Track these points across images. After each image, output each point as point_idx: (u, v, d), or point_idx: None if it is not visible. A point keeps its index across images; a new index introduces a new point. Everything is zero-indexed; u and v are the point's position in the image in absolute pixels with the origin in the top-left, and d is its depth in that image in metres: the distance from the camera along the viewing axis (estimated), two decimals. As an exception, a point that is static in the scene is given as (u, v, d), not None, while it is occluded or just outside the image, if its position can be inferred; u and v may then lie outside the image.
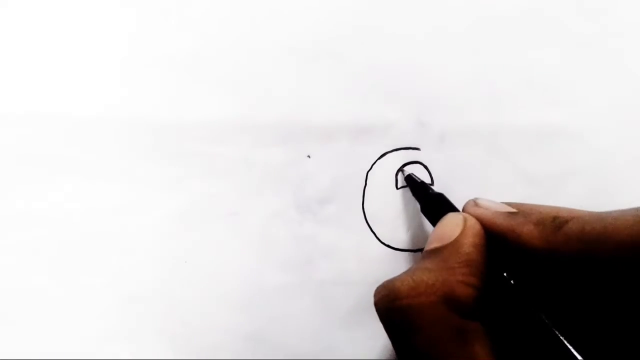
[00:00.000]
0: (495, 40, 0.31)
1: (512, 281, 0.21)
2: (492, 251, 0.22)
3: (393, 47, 0.30)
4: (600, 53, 0.31)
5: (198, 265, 0.29)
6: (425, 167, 0.30)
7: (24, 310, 0.28)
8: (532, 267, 0.21)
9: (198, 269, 0.29)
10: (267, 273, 0.29)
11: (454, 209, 0.26)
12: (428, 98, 0.30)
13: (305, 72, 0.30)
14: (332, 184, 0.30)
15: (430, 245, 0.22)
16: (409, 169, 0.30)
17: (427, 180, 0.30)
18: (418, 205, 0.29)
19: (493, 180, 0.30)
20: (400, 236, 0.30)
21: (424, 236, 0.30)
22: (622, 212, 0.19)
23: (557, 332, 0.19)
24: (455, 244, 0.22)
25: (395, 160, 0.30)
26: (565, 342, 0.19)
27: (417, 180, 0.29)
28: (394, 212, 0.30)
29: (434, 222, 0.26)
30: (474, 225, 0.22)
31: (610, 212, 0.19)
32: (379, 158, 0.30)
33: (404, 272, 0.21)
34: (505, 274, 0.21)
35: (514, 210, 0.23)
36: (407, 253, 0.30)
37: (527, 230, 0.21)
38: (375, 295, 0.21)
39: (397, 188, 0.30)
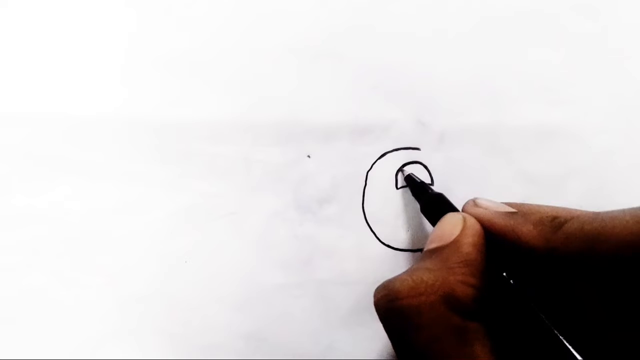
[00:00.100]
0: (495, 40, 0.31)
1: (511, 281, 0.21)
2: (492, 251, 0.22)
3: (393, 47, 0.30)
4: (600, 53, 0.31)
5: (198, 265, 0.29)
6: (425, 167, 0.30)
7: (24, 310, 0.28)
8: (531, 266, 0.21)
9: (198, 269, 0.29)
10: (267, 273, 0.29)
11: (453, 208, 0.26)
12: (428, 98, 0.30)
13: (305, 72, 0.30)
14: (332, 184, 0.30)
15: (430, 245, 0.22)
16: (408, 169, 0.30)
17: (427, 180, 0.30)
18: (418, 205, 0.29)
19: (493, 180, 0.30)
20: (400, 236, 0.30)
21: (424, 236, 0.30)
22: (621, 212, 0.19)
23: (556, 332, 0.19)
24: (454, 243, 0.22)
25: (395, 160, 0.30)
26: (565, 342, 0.19)
27: (416, 180, 0.29)
28: (394, 212, 0.30)
29: (433, 222, 0.26)
30: (474, 225, 0.22)
31: (608, 212, 0.19)
32: (379, 158, 0.30)
33: (403, 272, 0.21)
34: (504, 274, 0.21)
35: (514, 210, 0.23)
36: (407, 253, 0.30)
37: (527, 230, 0.21)
38: (375, 295, 0.21)
39: (397, 188, 0.30)
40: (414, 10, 0.30)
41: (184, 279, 0.29)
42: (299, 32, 0.30)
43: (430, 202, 0.27)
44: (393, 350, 0.28)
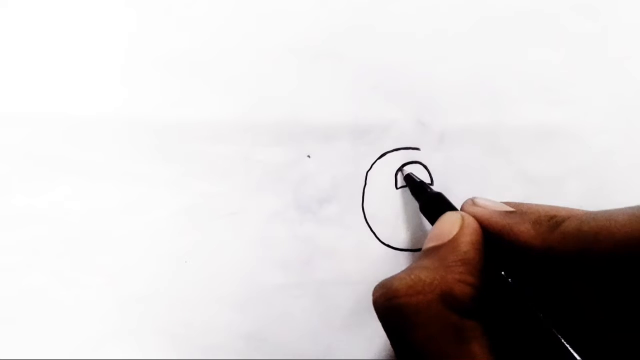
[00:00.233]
0: (495, 40, 0.31)
1: (509, 280, 0.21)
2: (490, 250, 0.22)
3: (393, 47, 0.30)
4: (600, 53, 0.31)
5: (198, 265, 0.29)
6: (425, 167, 0.30)
7: (24, 310, 0.28)
8: (529, 265, 0.21)
9: (198, 269, 0.29)
10: (267, 273, 0.29)
11: (452, 208, 0.26)
12: (428, 98, 0.30)
13: (305, 72, 0.30)
14: (332, 184, 0.30)
15: (429, 243, 0.22)
16: (408, 169, 0.30)
17: (427, 180, 0.30)
18: (418, 205, 0.29)
19: (492, 180, 0.30)
20: (400, 236, 0.30)
21: (424, 236, 0.30)
22: (618, 211, 0.19)
23: (554, 331, 0.19)
24: (453, 242, 0.22)
25: (395, 160, 0.30)
26: (563, 341, 0.19)
27: (416, 180, 0.29)
28: (393, 212, 0.30)
29: (432, 221, 0.26)
30: (472, 224, 0.22)
31: (606, 211, 0.19)
32: (379, 158, 0.30)
33: (402, 271, 0.21)
34: (502, 273, 0.21)
35: (512, 209, 0.23)
36: (407, 253, 0.30)
37: (525, 229, 0.21)
38: (373, 294, 0.21)
39: (397, 188, 0.30)
40: (413, 10, 0.30)
41: (184, 279, 0.29)
42: (299, 32, 0.30)
43: (429, 202, 0.27)
44: (392, 349, 0.28)
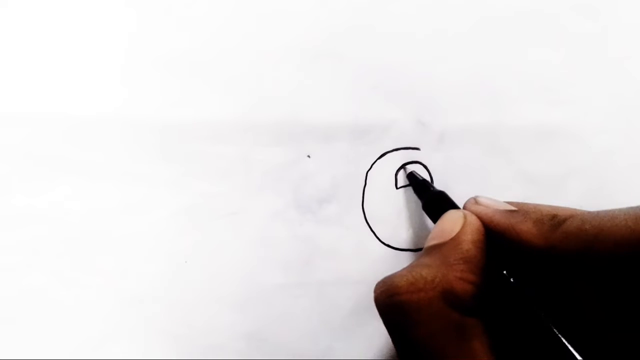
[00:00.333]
0: (496, 40, 0.31)
1: (511, 279, 0.21)
2: (492, 248, 0.22)
3: (393, 47, 0.30)
4: (600, 53, 0.31)
5: (198, 265, 0.29)
6: (425, 166, 0.30)
7: (24, 310, 0.28)
8: (530, 264, 0.21)
9: (198, 269, 0.29)
10: (267, 273, 0.29)
11: (455, 206, 0.26)
12: (428, 98, 0.30)
13: (305, 72, 0.30)
14: (332, 184, 0.30)
15: (431, 241, 0.22)
16: (410, 167, 0.30)
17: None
18: (418, 205, 0.29)
19: (493, 180, 0.30)
20: (400, 236, 0.30)
21: (424, 235, 0.30)
22: (620, 211, 0.19)
23: (555, 330, 0.19)
24: (454, 240, 0.22)
25: (395, 160, 0.30)
26: (563, 340, 0.19)
27: (418, 178, 0.29)
28: (394, 212, 0.30)
29: (434, 220, 0.26)
30: (474, 223, 0.22)
31: (607, 211, 0.19)
32: (379, 158, 0.30)
33: (403, 268, 0.21)
34: (504, 272, 0.21)
35: (514, 208, 0.23)
36: (407, 253, 0.30)
37: (526, 228, 0.21)
38: (374, 291, 0.21)
39: (397, 188, 0.30)
40: (413, 10, 0.30)
41: (184, 279, 0.29)
42: (299, 32, 0.30)
43: (432, 200, 0.27)
44: (393, 349, 0.28)
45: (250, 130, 0.29)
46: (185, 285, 0.29)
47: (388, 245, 0.29)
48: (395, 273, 0.21)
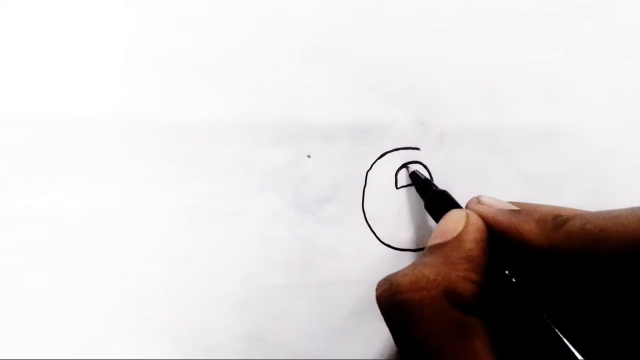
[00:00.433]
0: (495, 40, 0.31)
1: (513, 279, 0.21)
2: (494, 248, 0.22)
3: (393, 47, 0.30)
4: (600, 53, 0.31)
5: (198, 265, 0.29)
6: (425, 166, 0.30)
7: (24, 310, 0.28)
8: (533, 264, 0.21)
9: (198, 269, 0.29)
10: (267, 273, 0.29)
11: (457, 205, 0.26)
12: (428, 98, 0.30)
13: (305, 72, 0.30)
14: (332, 184, 0.30)
15: (433, 240, 0.22)
16: (412, 167, 0.30)
17: (427, 180, 0.30)
18: (418, 205, 0.29)
19: (493, 180, 0.30)
20: (400, 236, 0.30)
21: (424, 235, 0.30)
22: (622, 211, 0.19)
23: (556, 330, 0.19)
24: (457, 239, 0.22)
25: (395, 160, 0.30)
26: (565, 340, 0.19)
27: (421, 177, 0.29)
28: (394, 212, 0.30)
29: (437, 219, 0.26)
30: (477, 222, 0.22)
31: (610, 211, 0.19)
32: (379, 158, 0.30)
33: (406, 267, 0.21)
34: (506, 272, 0.21)
35: (517, 208, 0.23)
36: (407, 253, 0.30)
37: (529, 227, 0.21)
38: (377, 289, 0.21)
39: (397, 188, 0.30)
40: (414, 10, 0.30)
41: (184, 279, 0.29)
42: (299, 32, 0.30)
43: (435, 199, 0.27)
44: (393, 349, 0.28)
45: (250, 130, 0.29)
46: (185, 285, 0.29)
47: (388, 245, 0.29)
48: (398, 272, 0.21)
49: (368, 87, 0.30)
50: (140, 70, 0.29)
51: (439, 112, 0.30)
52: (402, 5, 0.30)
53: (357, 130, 0.30)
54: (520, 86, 0.31)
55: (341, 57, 0.30)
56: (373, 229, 0.30)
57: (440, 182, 0.30)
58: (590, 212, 0.20)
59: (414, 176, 0.29)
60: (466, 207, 0.25)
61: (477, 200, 0.24)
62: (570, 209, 0.21)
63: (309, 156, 0.30)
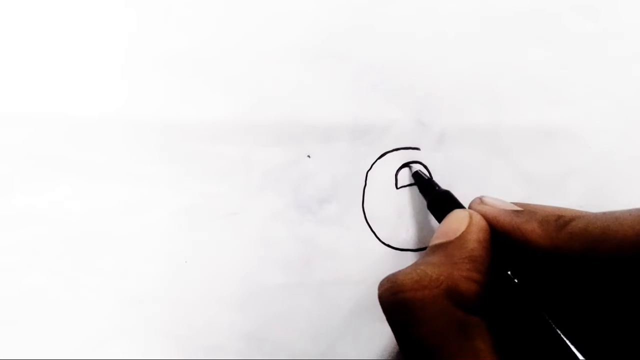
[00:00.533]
0: (495, 40, 0.31)
1: (515, 279, 0.21)
2: (497, 248, 0.22)
3: (393, 47, 0.30)
4: (601, 53, 0.31)
5: (198, 265, 0.29)
6: (425, 167, 0.30)
7: (24, 310, 0.28)
8: (535, 264, 0.21)
9: (198, 269, 0.29)
10: (267, 273, 0.29)
11: (460, 206, 0.26)
12: (428, 98, 0.30)
13: (305, 72, 0.30)
14: (332, 184, 0.30)
15: (436, 240, 0.23)
16: (415, 167, 0.30)
17: (427, 180, 0.30)
18: (418, 205, 0.29)
19: (493, 180, 0.30)
20: (401, 236, 0.30)
21: (424, 236, 0.30)
22: (625, 212, 0.19)
23: (558, 331, 0.19)
24: (460, 239, 0.22)
25: (395, 160, 0.30)
26: (567, 341, 0.19)
27: (424, 177, 0.29)
28: (394, 212, 0.30)
29: (440, 219, 0.26)
30: (480, 222, 0.22)
31: (613, 212, 0.19)
32: (379, 158, 0.30)
33: (408, 266, 0.21)
34: (509, 272, 0.21)
35: (520, 208, 0.23)
36: (407, 253, 0.30)
37: (532, 228, 0.21)
38: (379, 288, 0.21)
39: (397, 188, 0.30)
40: (414, 10, 0.30)
41: (184, 279, 0.29)
42: (299, 32, 0.30)
43: (437, 199, 0.27)
44: (393, 349, 0.28)
45: (250, 130, 0.29)
46: (185, 285, 0.29)
47: (388, 245, 0.29)
48: (400, 271, 0.21)
49: (368, 87, 0.30)
50: (140, 71, 0.29)
51: (439, 112, 0.30)
52: (402, 5, 0.30)
53: (357, 130, 0.30)
54: (520, 86, 0.31)
55: (341, 57, 0.30)
56: (373, 229, 0.30)
57: (440, 182, 0.30)
58: (593, 213, 0.20)
59: (416, 176, 0.29)
60: (469, 207, 0.25)
61: (480, 200, 0.24)
62: (573, 210, 0.22)
63: (309, 156, 0.30)
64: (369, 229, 0.29)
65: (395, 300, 0.20)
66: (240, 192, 0.29)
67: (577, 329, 0.20)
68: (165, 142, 0.29)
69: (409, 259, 0.29)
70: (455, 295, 0.20)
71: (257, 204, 0.29)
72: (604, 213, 0.20)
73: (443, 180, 0.30)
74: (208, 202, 0.29)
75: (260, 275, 0.29)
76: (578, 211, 0.21)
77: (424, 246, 0.29)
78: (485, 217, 0.23)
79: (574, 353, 0.19)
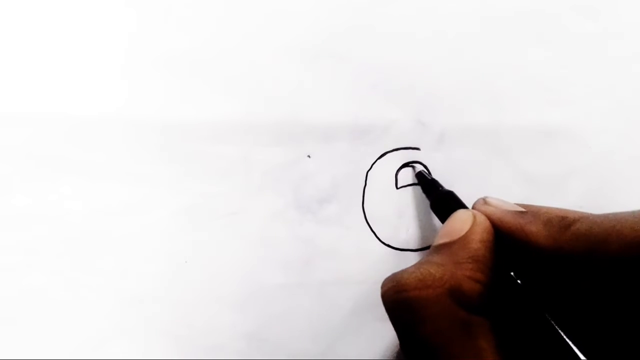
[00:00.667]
0: (496, 40, 0.31)
1: (518, 281, 0.21)
2: (500, 249, 0.22)
3: (393, 47, 0.30)
4: (601, 53, 0.31)
5: (198, 265, 0.29)
6: (425, 167, 0.30)
7: (24, 310, 0.28)
8: (539, 265, 0.21)
9: (198, 269, 0.29)
10: (267, 273, 0.29)
11: (463, 206, 0.26)
12: (428, 98, 0.30)
13: (305, 72, 0.30)
14: (332, 184, 0.30)
15: (439, 240, 0.23)
16: (418, 167, 0.30)
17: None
18: (418, 205, 0.29)
19: (493, 180, 0.30)
20: (401, 236, 0.30)
21: (424, 236, 0.30)
22: (629, 214, 0.19)
23: (560, 332, 0.20)
24: (463, 239, 0.22)
25: (395, 160, 0.30)
26: (569, 342, 0.19)
27: (427, 177, 0.29)
28: (394, 212, 0.30)
29: (443, 219, 0.26)
30: (483, 222, 0.22)
31: (617, 213, 0.19)
32: (379, 158, 0.30)
33: (412, 265, 0.21)
34: (512, 273, 0.21)
35: (523, 209, 0.23)
36: (407, 252, 0.30)
37: (535, 229, 0.21)
38: (382, 287, 0.21)
39: (397, 188, 0.30)
40: (414, 10, 0.30)
41: (184, 279, 0.29)
42: (299, 32, 0.30)
43: (441, 199, 0.27)
44: (393, 349, 0.28)
45: (250, 130, 0.29)
46: (185, 285, 0.29)
47: (388, 245, 0.29)
48: (403, 270, 0.21)
49: (368, 87, 0.30)
50: (140, 71, 0.29)
51: (439, 112, 0.30)
52: (402, 5, 0.30)
53: (357, 130, 0.30)
54: (520, 86, 0.31)
55: (341, 57, 0.30)
56: (373, 229, 0.30)
57: (440, 182, 0.30)
58: (597, 215, 0.20)
59: (420, 176, 0.29)
60: (472, 208, 0.25)
61: (484, 201, 0.24)
62: (577, 211, 0.21)
63: (309, 156, 0.30)
64: (369, 229, 0.29)
65: (399, 299, 0.20)
66: (240, 192, 0.29)
67: (579, 329, 0.20)
68: (165, 142, 0.29)
69: (409, 259, 0.29)
70: (459, 294, 0.20)
71: (257, 204, 0.29)
72: (608, 214, 0.20)
73: (443, 180, 0.30)
74: (208, 202, 0.29)
75: (260, 275, 0.29)
76: (582, 212, 0.21)
77: (424, 246, 0.30)
78: (488, 217, 0.23)
79: (575, 354, 0.19)
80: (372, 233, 0.29)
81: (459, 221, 0.23)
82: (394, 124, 0.30)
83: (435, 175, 0.30)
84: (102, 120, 0.29)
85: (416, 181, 0.30)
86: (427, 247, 0.30)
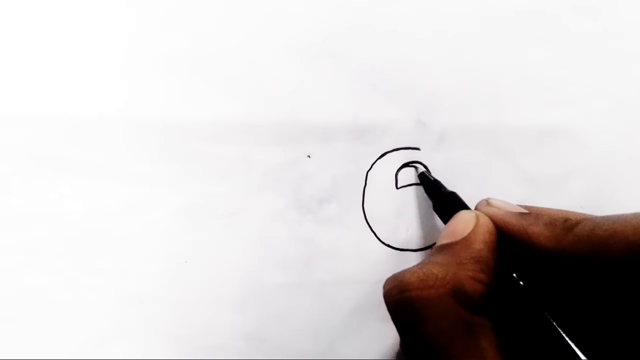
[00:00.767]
0: (496, 40, 0.31)
1: (521, 282, 0.21)
2: (503, 250, 0.22)
3: (393, 47, 0.30)
4: (601, 53, 0.31)
5: (198, 265, 0.29)
6: (425, 167, 0.30)
7: (24, 310, 0.28)
8: (541, 267, 0.21)
9: (198, 269, 0.29)
10: (267, 273, 0.29)
11: (466, 207, 0.26)
12: (428, 98, 0.30)
13: (305, 72, 0.30)
14: (332, 184, 0.30)
15: (442, 240, 0.23)
16: (420, 168, 0.30)
17: (427, 181, 0.30)
18: (418, 205, 0.29)
19: (493, 180, 0.30)
20: (401, 236, 0.30)
21: (424, 236, 0.30)
22: (632, 215, 0.19)
23: (562, 333, 0.20)
24: (466, 240, 0.22)
25: (395, 160, 0.30)
26: (571, 343, 0.19)
27: (430, 178, 0.29)
28: (394, 212, 0.30)
29: (445, 220, 0.26)
30: (486, 223, 0.22)
31: (620, 215, 0.19)
32: (379, 158, 0.30)
33: (414, 265, 0.21)
34: (514, 275, 0.22)
35: (526, 211, 0.23)
36: (407, 252, 0.30)
37: (538, 230, 0.21)
38: (384, 287, 0.21)
39: (397, 188, 0.30)
40: (414, 10, 0.30)
41: (184, 279, 0.29)
42: (299, 32, 0.30)
43: (443, 200, 0.27)
44: (394, 349, 0.28)
45: (250, 130, 0.29)
46: (185, 285, 0.29)
47: (388, 245, 0.29)
48: (406, 269, 0.21)
49: (368, 87, 0.30)
50: (140, 71, 0.29)
51: (439, 112, 0.30)
52: (402, 5, 0.30)
53: (357, 130, 0.30)
54: (520, 86, 0.31)
55: (341, 57, 0.30)
56: (373, 229, 0.30)
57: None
58: (599, 217, 0.20)
59: (422, 177, 0.29)
60: (475, 209, 0.25)
61: (487, 202, 0.24)
62: (579, 213, 0.22)
63: (309, 156, 0.30)
64: (369, 229, 0.30)
65: (401, 298, 0.20)
66: (240, 192, 0.29)
67: (581, 331, 0.20)
68: (165, 142, 0.29)
69: (409, 259, 0.30)
70: (461, 295, 0.20)
71: (257, 204, 0.29)
72: (611, 216, 0.20)
73: (443, 180, 0.30)
74: (208, 202, 0.29)
75: (260, 275, 0.29)
76: (585, 214, 0.21)
77: (424, 246, 0.30)
78: (491, 218, 0.23)
79: (577, 355, 0.19)
80: (372, 233, 0.29)
81: (462, 222, 0.23)
82: (394, 124, 0.30)
83: (435, 175, 0.30)
84: (102, 120, 0.29)
85: (416, 181, 0.30)
86: (427, 247, 0.30)
